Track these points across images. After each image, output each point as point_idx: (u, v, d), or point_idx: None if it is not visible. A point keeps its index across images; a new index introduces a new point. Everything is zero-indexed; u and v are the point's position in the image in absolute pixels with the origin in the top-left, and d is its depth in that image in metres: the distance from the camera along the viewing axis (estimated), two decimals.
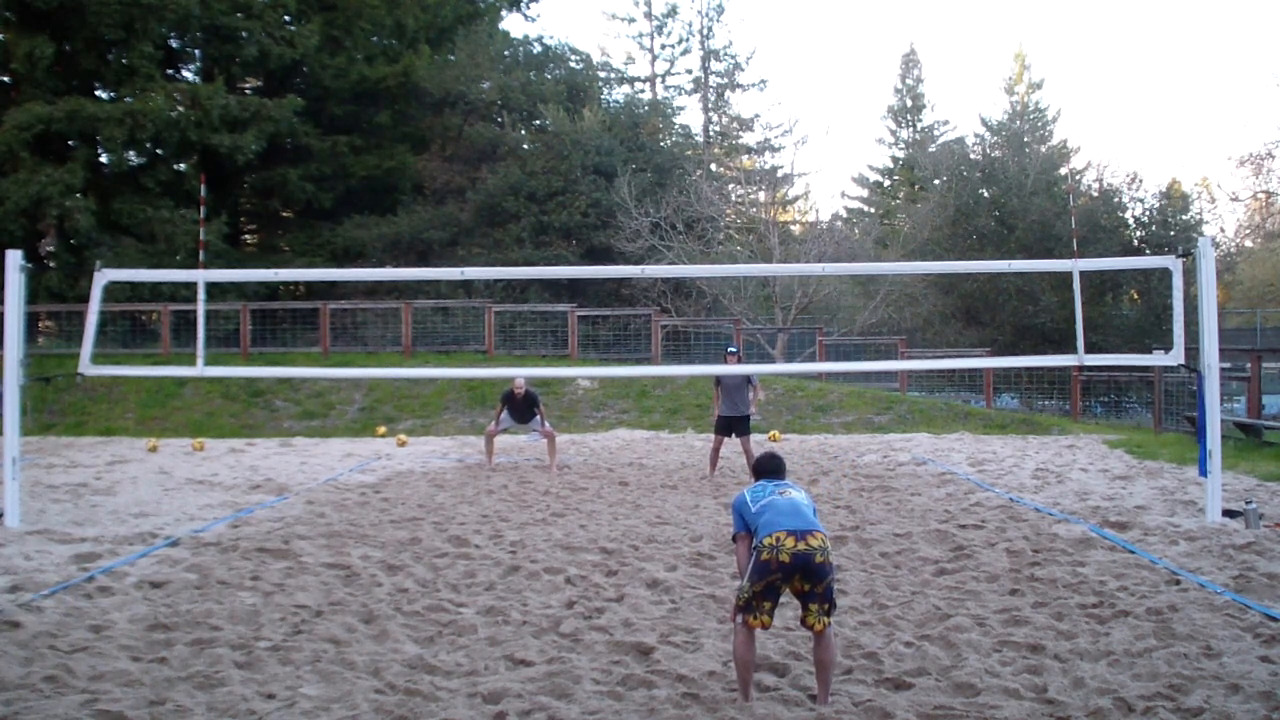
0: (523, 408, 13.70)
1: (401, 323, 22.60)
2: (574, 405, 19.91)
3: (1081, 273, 10.19)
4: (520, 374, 14.00)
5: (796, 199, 37.42)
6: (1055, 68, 73.00)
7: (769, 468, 5.39)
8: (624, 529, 9.16)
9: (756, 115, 43.21)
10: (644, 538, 8.73)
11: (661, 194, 27.65)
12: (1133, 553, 7.95)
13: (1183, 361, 9.78)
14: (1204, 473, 9.40)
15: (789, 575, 4.72)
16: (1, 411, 9.47)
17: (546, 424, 13.81)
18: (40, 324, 24.62)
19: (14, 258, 9.61)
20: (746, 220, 30.26)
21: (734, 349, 13.50)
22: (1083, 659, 5.39)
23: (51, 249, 27.55)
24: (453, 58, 31.58)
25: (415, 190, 30.74)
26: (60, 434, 18.38)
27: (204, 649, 5.63)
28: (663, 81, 41.97)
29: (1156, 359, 11.53)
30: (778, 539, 4.71)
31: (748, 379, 12.47)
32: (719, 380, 12.60)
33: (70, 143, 25.88)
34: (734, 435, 12.48)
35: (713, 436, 12.93)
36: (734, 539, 5.17)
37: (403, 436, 17.57)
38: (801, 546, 4.69)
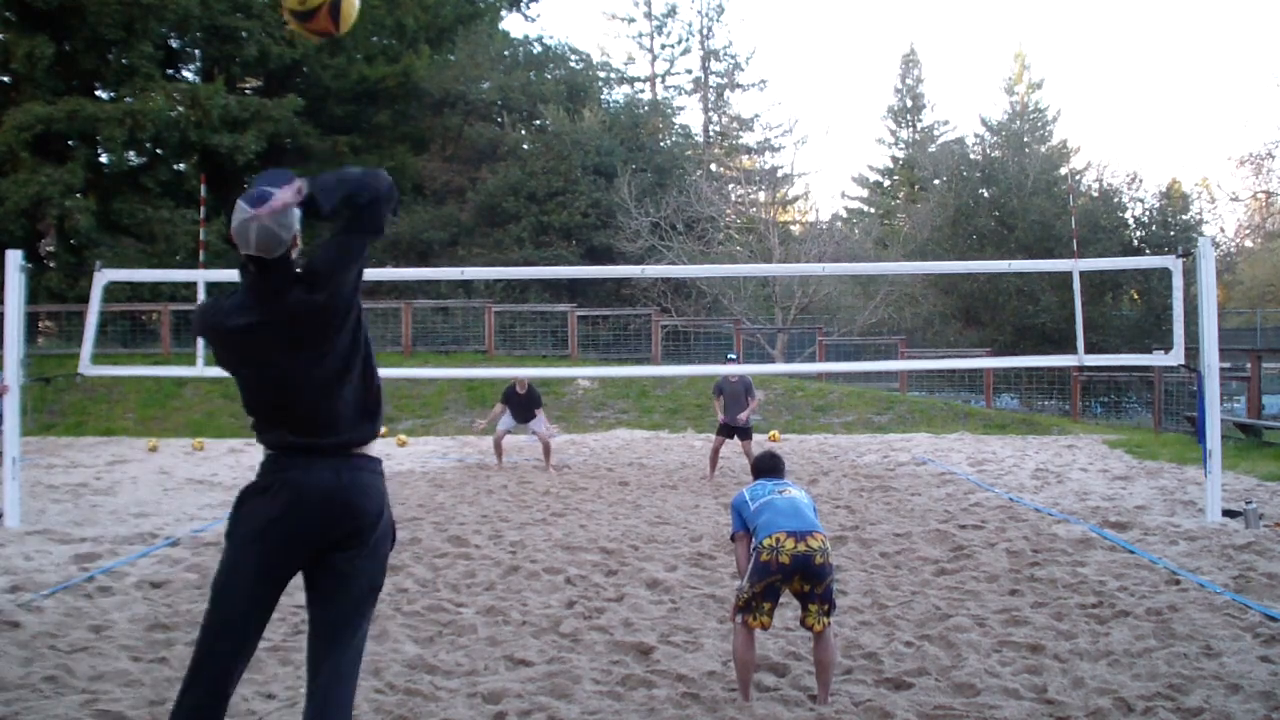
0: (526, 404, 13.65)
1: (401, 323, 22.60)
2: (574, 405, 19.91)
3: (1081, 273, 10.21)
4: (522, 375, 13.98)
5: (796, 199, 37.45)
6: (1055, 68, 73.10)
7: (768, 467, 5.38)
8: (624, 529, 9.16)
9: (756, 115, 43.31)
10: (644, 538, 8.73)
11: (661, 194, 27.64)
12: (1133, 553, 7.95)
13: (1183, 361, 9.79)
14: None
15: (789, 576, 4.72)
16: (2, 411, 9.47)
17: (545, 426, 13.80)
18: (40, 324, 24.62)
19: (14, 258, 9.61)
20: (746, 220, 30.25)
21: (733, 355, 13.49)
22: (1083, 659, 5.38)
23: (51, 249, 27.54)
24: (453, 58, 31.59)
25: (415, 190, 30.73)
26: (60, 434, 18.38)
27: None
28: (663, 81, 42.01)
29: (1156, 359, 11.53)
30: (777, 540, 4.71)
31: (747, 388, 12.48)
32: (720, 390, 12.63)
33: (70, 143, 25.87)
34: (735, 438, 12.53)
35: (713, 437, 12.96)
36: (733, 538, 5.17)
37: (403, 436, 17.57)
38: (801, 548, 4.69)
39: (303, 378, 3.02)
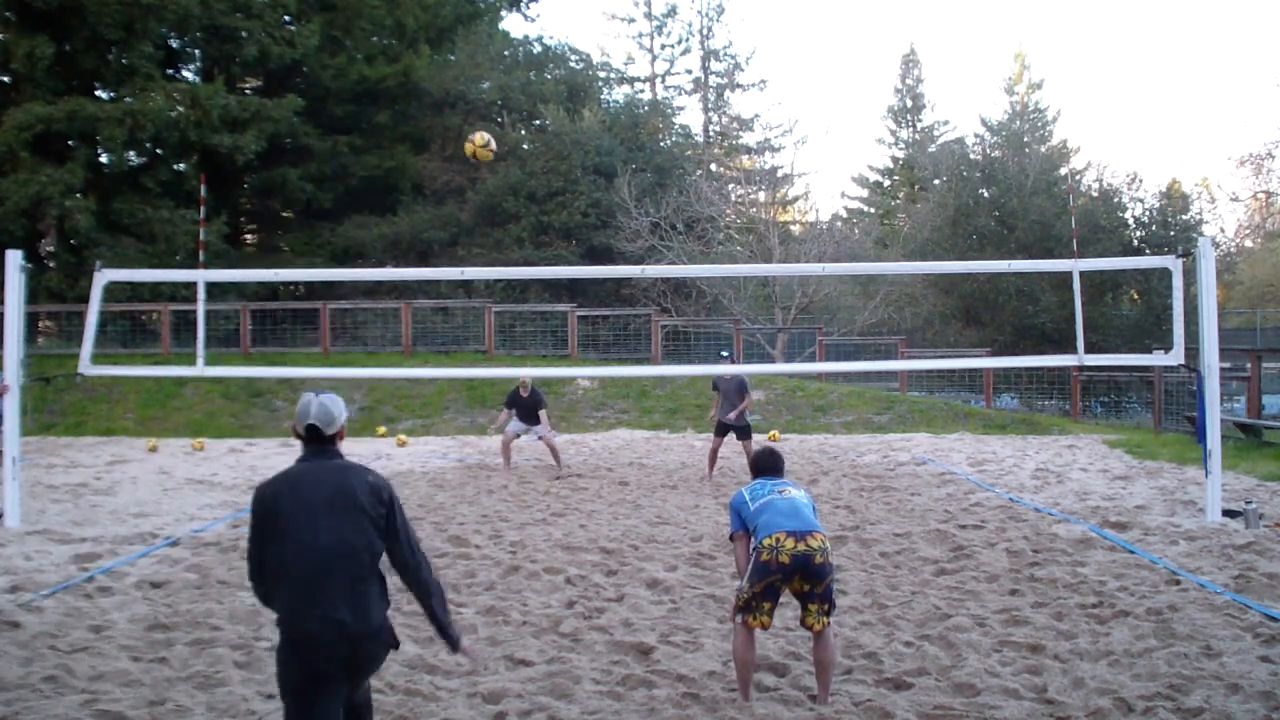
0: (529, 406, 13.62)
1: (401, 323, 22.60)
2: (574, 405, 19.90)
3: (1081, 273, 10.21)
4: (525, 373, 13.89)
5: (796, 199, 37.41)
6: (1055, 68, 72.97)
7: (767, 465, 5.36)
8: (624, 529, 9.16)
9: (756, 115, 43.27)
10: (644, 538, 8.73)
11: (661, 194, 27.63)
12: (1133, 553, 7.95)
13: (1183, 361, 9.79)
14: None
15: (789, 576, 4.72)
16: (2, 411, 9.47)
17: (548, 429, 13.75)
18: (40, 324, 24.60)
19: (14, 258, 9.61)
20: (746, 220, 30.23)
21: (726, 354, 13.52)
22: (1083, 659, 5.39)
23: (51, 249, 27.52)
24: (453, 58, 31.57)
25: (415, 190, 30.71)
26: (60, 434, 18.37)
27: (204, 649, 5.63)
28: (663, 81, 41.98)
29: (1156, 359, 11.53)
30: (777, 540, 4.71)
31: (739, 387, 12.44)
32: (716, 385, 12.63)
33: (70, 143, 25.85)
34: (733, 437, 12.51)
35: (712, 437, 12.93)
36: (732, 538, 5.17)
37: (403, 436, 17.57)
38: (801, 548, 4.69)
39: (336, 537, 3.43)
